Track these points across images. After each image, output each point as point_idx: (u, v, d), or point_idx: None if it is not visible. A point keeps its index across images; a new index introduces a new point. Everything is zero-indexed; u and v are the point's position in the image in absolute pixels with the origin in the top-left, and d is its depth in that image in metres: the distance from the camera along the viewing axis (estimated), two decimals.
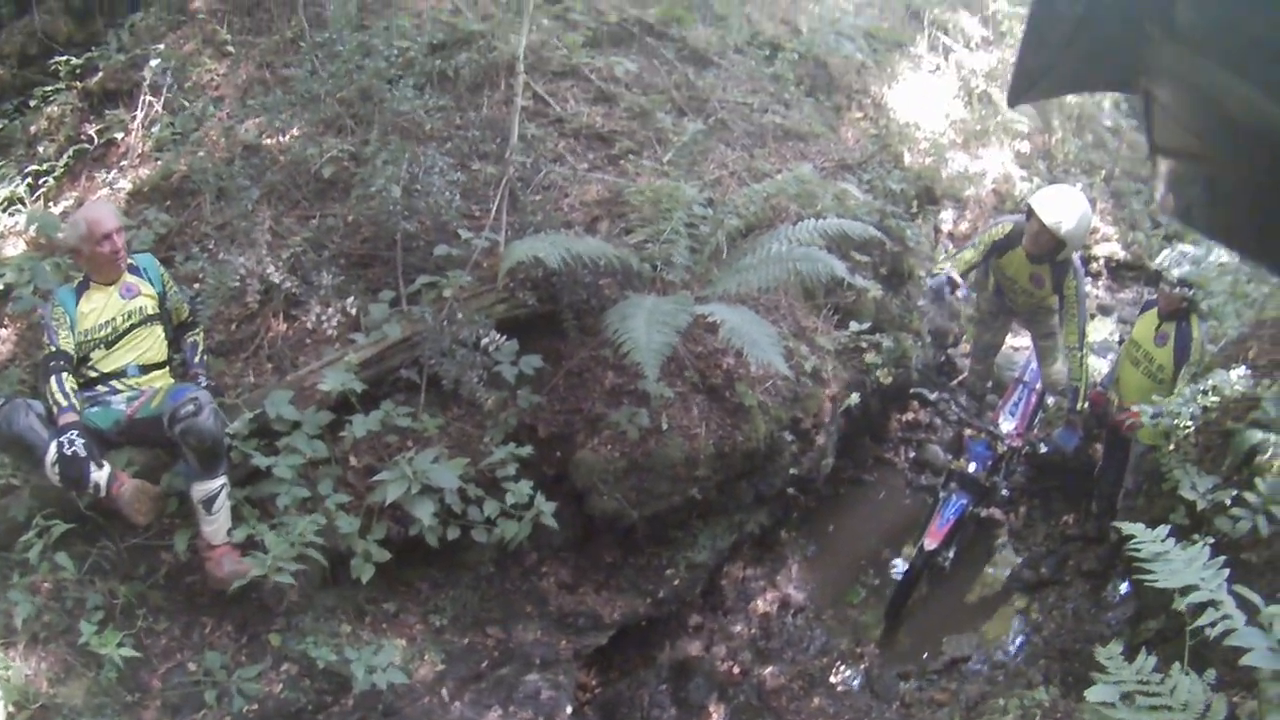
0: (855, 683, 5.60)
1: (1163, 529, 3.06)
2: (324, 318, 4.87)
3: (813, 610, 6.01)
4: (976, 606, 6.36)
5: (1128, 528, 3.12)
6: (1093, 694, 2.87)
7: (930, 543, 5.65)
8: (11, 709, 3.94)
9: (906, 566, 5.89)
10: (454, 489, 4.40)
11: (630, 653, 5.46)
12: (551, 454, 4.83)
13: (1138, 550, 3.00)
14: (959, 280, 5.66)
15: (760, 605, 5.92)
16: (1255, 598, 2.74)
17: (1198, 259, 5.87)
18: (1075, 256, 5.86)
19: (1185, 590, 2.78)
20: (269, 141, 6.04)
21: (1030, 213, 5.62)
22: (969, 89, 10.01)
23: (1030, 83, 0.84)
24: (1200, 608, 2.72)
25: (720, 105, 6.80)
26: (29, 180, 6.74)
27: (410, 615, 4.79)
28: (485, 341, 4.61)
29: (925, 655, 5.85)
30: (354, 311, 4.88)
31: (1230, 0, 0.64)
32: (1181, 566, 2.87)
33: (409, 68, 5.93)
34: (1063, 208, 5.51)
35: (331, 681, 4.36)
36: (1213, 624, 2.64)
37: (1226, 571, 2.82)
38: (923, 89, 9.45)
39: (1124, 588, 5.97)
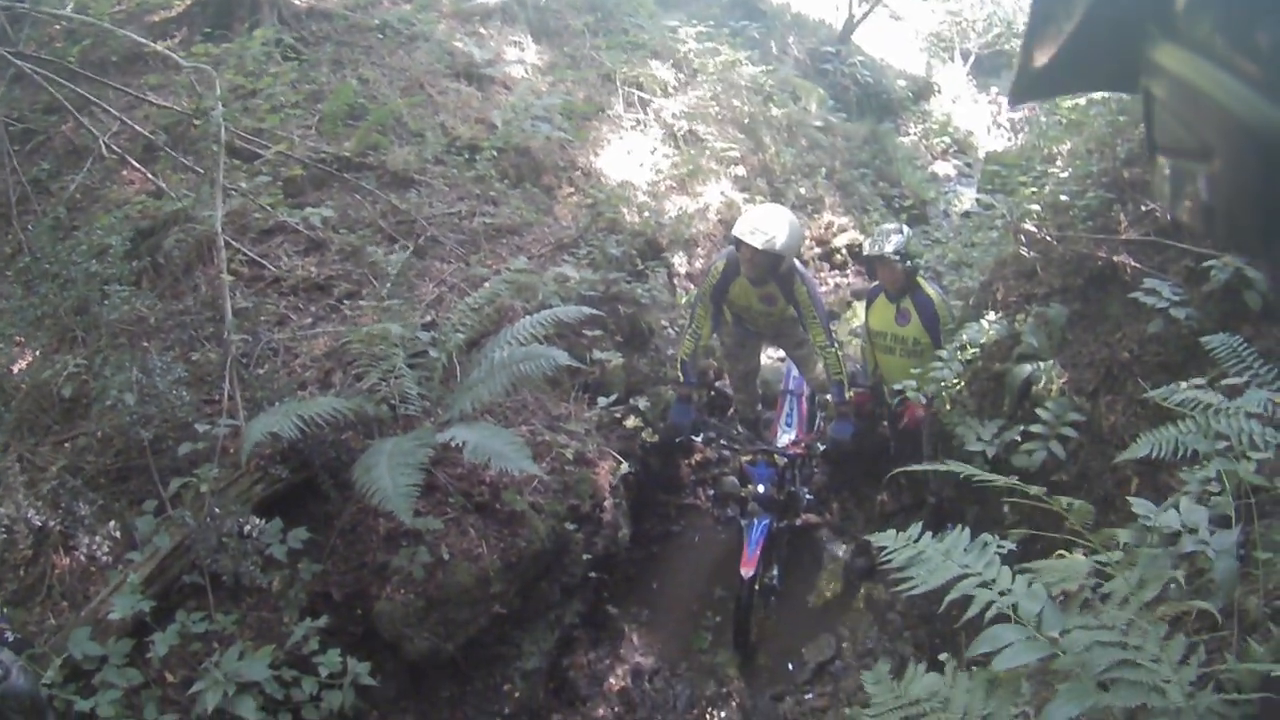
0: None
1: (914, 527, 2.78)
2: (94, 546, 4.76)
3: (667, 669, 6.09)
4: (824, 609, 6.57)
5: (877, 539, 2.81)
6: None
7: (747, 571, 5.76)
8: None
9: (735, 602, 6.04)
10: (268, 678, 4.34)
11: None
12: (352, 613, 4.81)
13: (889, 561, 2.69)
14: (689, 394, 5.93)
15: (614, 682, 5.96)
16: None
17: (901, 230, 6.06)
18: (796, 262, 6.07)
19: (952, 584, 2.47)
20: (14, 366, 5.90)
21: (739, 243, 5.83)
22: (674, 133, 10.46)
23: (1032, 83, 0.86)
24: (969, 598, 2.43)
25: (428, 222, 6.93)
26: None
27: None
28: (248, 529, 4.60)
29: (791, 669, 6.01)
30: (118, 534, 4.79)
31: (1231, 0, 0.68)
32: (940, 560, 2.58)
33: (121, 265, 5.85)
34: (767, 226, 5.71)
35: None
36: (983, 610, 2.35)
37: (992, 546, 2.57)
38: (629, 147, 9.81)
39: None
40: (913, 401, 5.50)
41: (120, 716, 4.22)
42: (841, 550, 7.05)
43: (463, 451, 4.51)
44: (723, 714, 5.77)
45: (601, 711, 5.82)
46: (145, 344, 5.55)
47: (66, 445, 5.41)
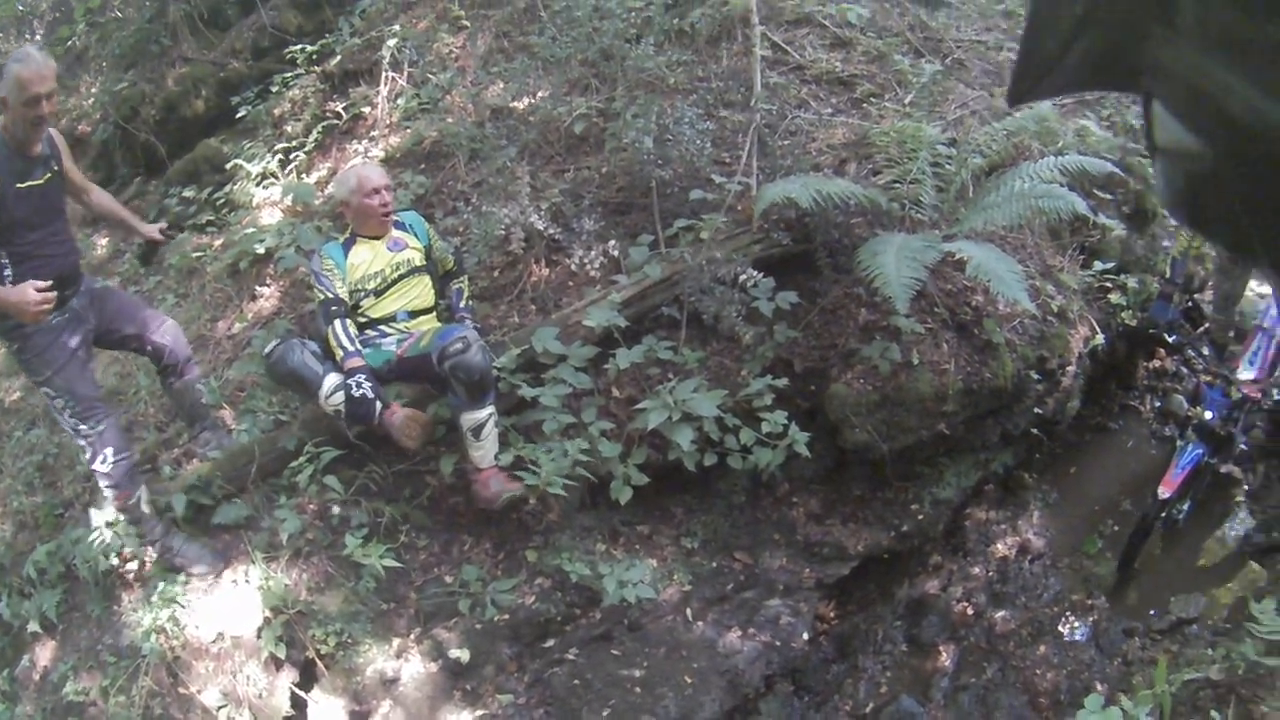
0: (1082, 635, 5.55)
1: None
2: (586, 261, 5.13)
3: (1050, 557, 5.98)
4: (1207, 568, 6.13)
5: None
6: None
7: (1164, 491, 5.50)
8: (269, 613, 4.32)
9: (1140, 518, 5.78)
10: (712, 417, 4.59)
11: (869, 587, 5.60)
12: (806, 388, 4.98)
13: None
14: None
15: (1000, 549, 5.95)
16: None
17: None
18: None
19: None
20: (517, 104, 6.35)
21: None
22: None
23: (1031, 83, 0.83)
24: None
25: (956, 45, 6.76)
26: (280, 156, 7.32)
27: (663, 538, 5.04)
28: (743, 278, 4.79)
29: (1152, 613, 5.74)
30: (615, 254, 5.12)
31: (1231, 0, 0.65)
32: None
33: (646, 26, 6.13)
34: None
35: (582, 595, 4.63)
36: None
37: None
38: None
39: None
40: None
41: (560, 410, 4.60)
42: (1246, 517, 6.50)
43: (965, 266, 4.45)
44: (1075, 623, 5.62)
45: (976, 570, 5.83)
46: (665, 100, 5.77)
47: (568, 174, 5.82)
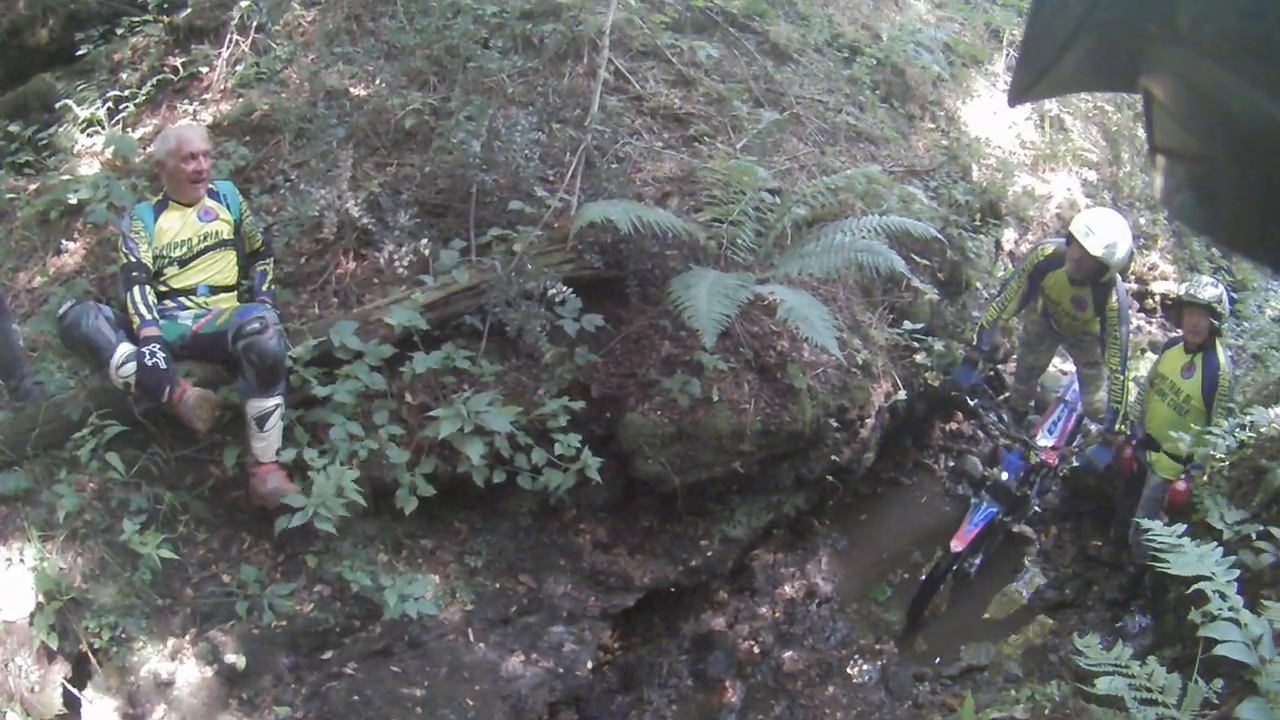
0: (870, 678, 5.65)
1: (1179, 525, 3.24)
2: (396, 257, 5.00)
3: (838, 602, 6.08)
4: (997, 619, 6.38)
5: (1145, 521, 3.40)
6: (1102, 684, 3.15)
7: (957, 545, 5.67)
8: (42, 599, 4.06)
9: (931, 568, 5.94)
10: (505, 433, 4.52)
11: (654, 620, 5.58)
12: (601, 414, 4.95)
13: (1151, 541, 3.20)
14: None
15: (787, 590, 6.01)
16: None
17: (1218, 286, 5.69)
18: (1118, 277, 5.80)
19: (1194, 580, 2.96)
20: (354, 89, 6.19)
21: (1071, 238, 5.58)
22: (1042, 112, 10.00)
23: (1030, 83, 0.84)
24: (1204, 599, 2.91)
25: (796, 100, 6.87)
26: (109, 104, 6.99)
27: (446, 554, 4.93)
28: (552, 293, 4.73)
29: (941, 660, 5.89)
30: (425, 253, 5.01)
31: (1232, 0, 0.65)
32: (1194, 559, 3.05)
33: (499, 30, 6.06)
34: (1108, 234, 5.45)
35: (362, 607, 4.50)
36: (1211, 617, 2.82)
37: (1237, 572, 3.00)
38: (996, 107, 9.46)
39: (1140, 620, 5.99)
40: (1183, 474, 5.42)
41: (351, 409, 4.49)
42: (1039, 575, 6.77)
43: (775, 311, 4.50)
44: (865, 666, 5.72)
45: (764, 610, 5.88)
46: (502, 106, 5.71)
47: (390, 169, 5.69)
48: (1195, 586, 2.91)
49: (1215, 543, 3.18)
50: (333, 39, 6.70)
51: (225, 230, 4.66)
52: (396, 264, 5.02)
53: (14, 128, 7.26)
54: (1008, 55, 10.16)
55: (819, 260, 4.80)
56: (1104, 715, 3.97)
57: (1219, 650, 2.70)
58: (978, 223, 7.28)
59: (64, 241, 6.03)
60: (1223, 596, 2.86)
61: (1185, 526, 3.23)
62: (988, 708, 4.45)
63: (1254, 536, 4.59)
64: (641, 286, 5.01)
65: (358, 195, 5.25)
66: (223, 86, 6.81)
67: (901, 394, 5.70)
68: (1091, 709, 4.05)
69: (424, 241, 5.05)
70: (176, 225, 4.54)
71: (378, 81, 6.11)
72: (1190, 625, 3.12)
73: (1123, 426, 5.89)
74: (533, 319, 4.74)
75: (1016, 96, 0.87)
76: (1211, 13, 0.66)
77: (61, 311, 4.26)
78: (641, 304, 5.03)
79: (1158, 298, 10.55)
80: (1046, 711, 4.16)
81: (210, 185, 4.67)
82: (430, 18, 5.94)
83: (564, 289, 4.75)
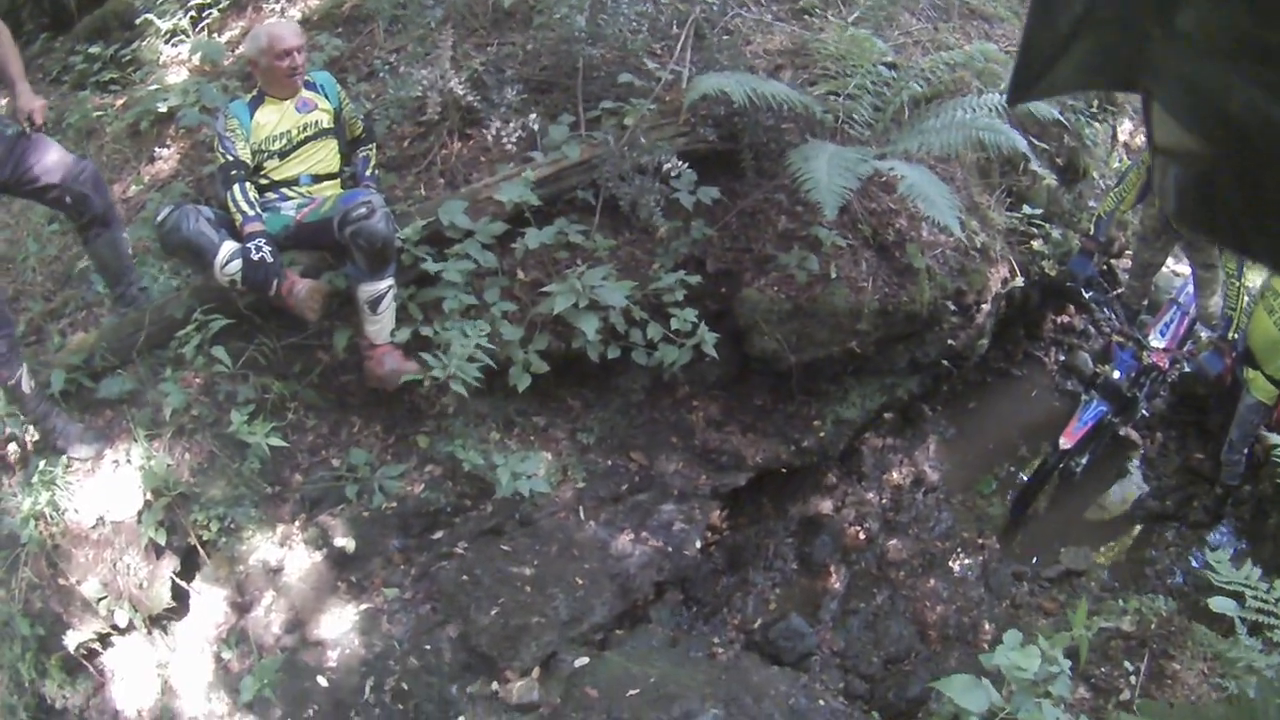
0: (972, 573, 5.62)
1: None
2: (504, 134, 4.93)
3: (944, 492, 6.04)
4: (1098, 524, 6.29)
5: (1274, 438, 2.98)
6: (1215, 604, 2.93)
7: (1065, 442, 5.56)
8: (150, 496, 4.14)
9: (1038, 464, 5.83)
10: (620, 308, 4.46)
11: (763, 500, 5.55)
12: (717, 289, 4.87)
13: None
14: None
15: (895, 477, 5.96)
16: None
17: None
18: None
19: None
20: None
21: None
22: None
23: (1030, 82, 0.81)
24: None
25: None
26: (192, 13, 6.93)
27: (559, 431, 4.91)
28: (666, 167, 4.63)
29: (1039, 560, 5.83)
30: (534, 129, 4.93)
31: (1232, 0, 0.63)
32: None
33: None
34: None
35: (474, 486, 4.52)
36: None
37: None
38: None
39: (1231, 543, 5.86)
40: None
41: (461, 287, 4.43)
42: (1141, 483, 6.63)
43: (895, 187, 4.36)
44: (966, 560, 5.69)
45: (871, 495, 5.86)
46: None
47: (491, 49, 5.56)
48: None
49: None
50: None
51: (325, 119, 4.60)
52: (505, 141, 4.95)
53: (95, 49, 7.27)
54: None
55: (939, 137, 4.62)
56: (1208, 637, 3.89)
57: None
58: (1094, 109, 7.01)
59: (157, 149, 6.02)
60: None
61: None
62: (1094, 615, 4.36)
63: None
64: (757, 160, 4.88)
65: (460, 74, 5.15)
66: None
67: (1019, 280, 5.54)
68: (1196, 628, 3.98)
69: (532, 117, 4.96)
70: (274, 119, 4.48)
71: None
72: None
73: (1235, 334, 5.66)
74: (647, 193, 4.65)
75: (1016, 97, 0.83)
76: (1212, 13, 0.64)
77: (161, 218, 4.22)
78: (757, 178, 4.90)
79: None
80: (1153, 626, 4.06)
81: (306, 77, 4.60)
82: None
83: (679, 163, 4.64)
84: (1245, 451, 5.68)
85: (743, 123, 4.85)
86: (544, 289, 4.53)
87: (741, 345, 4.86)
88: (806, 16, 5.84)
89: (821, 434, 5.12)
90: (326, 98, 4.63)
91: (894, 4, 6.03)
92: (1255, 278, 8.25)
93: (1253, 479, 5.97)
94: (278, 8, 6.69)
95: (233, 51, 6.38)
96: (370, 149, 4.89)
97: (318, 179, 4.60)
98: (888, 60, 5.20)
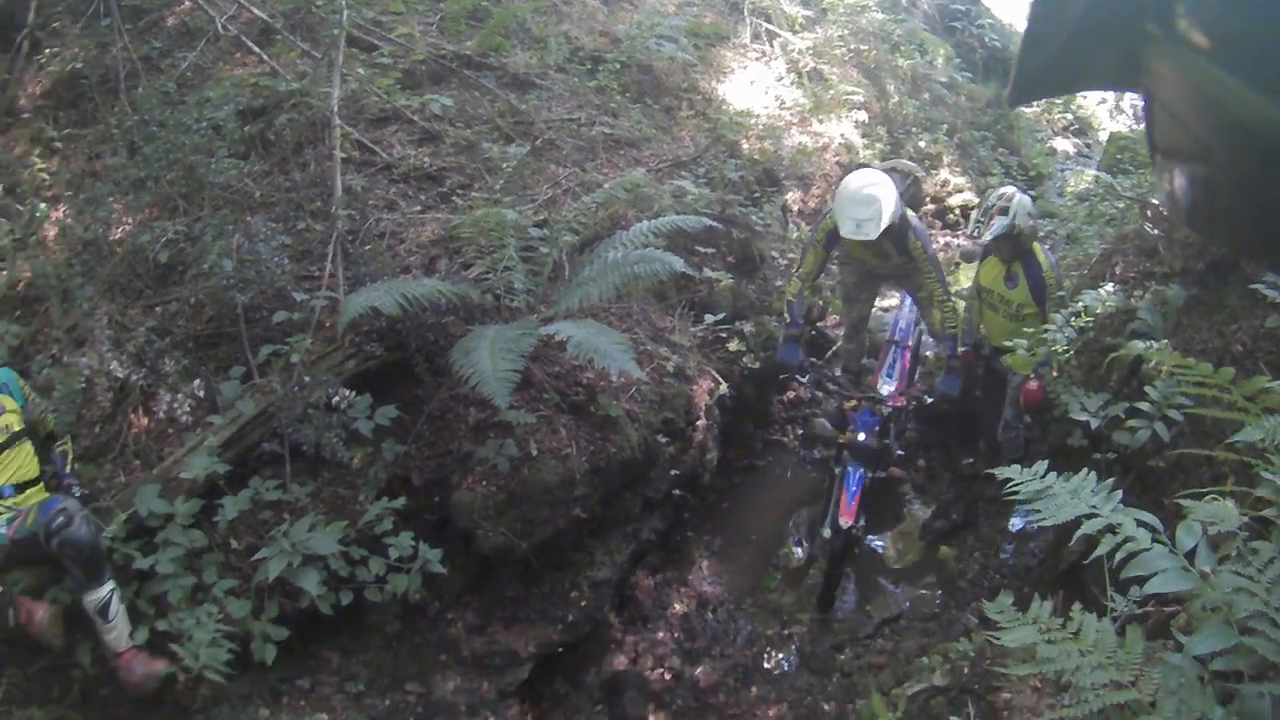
0: (790, 664, 5.59)
1: (1040, 464, 2.91)
2: (175, 405, 4.75)
3: (732, 602, 5.99)
4: (898, 567, 6.40)
5: (1001, 472, 2.99)
6: (1009, 638, 2.76)
7: (845, 520, 5.59)
8: None
9: (809, 549, 5.85)
10: (336, 554, 4.34)
11: (556, 682, 5.40)
12: (430, 500, 4.78)
13: (1015, 494, 2.86)
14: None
15: (678, 607, 5.89)
16: (1150, 518, 2.52)
17: (1012, 199, 5.67)
18: (908, 213, 5.75)
19: (1079, 521, 2.58)
20: (110, 234, 5.88)
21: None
22: (798, 69, 10.17)
23: (1031, 83, 0.84)
24: (1099, 534, 2.53)
25: (546, 126, 6.79)
26: None
27: (326, 688, 4.67)
28: (336, 400, 4.55)
29: (854, 623, 5.85)
30: (201, 394, 4.77)
31: (1231, 1, 0.65)
32: (1067, 498, 2.70)
33: (225, 137, 5.82)
34: (866, 214, 5.36)
35: None
36: (1113, 550, 2.43)
37: (1119, 493, 2.66)
38: (752, 78, 9.57)
39: (1015, 522, 6.04)
40: (1031, 373, 5.36)
41: (179, 575, 4.25)
42: (921, 509, 6.84)
43: (566, 346, 4.38)
44: (780, 656, 5.66)
45: (661, 634, 5.75)
46: (249, 215, 5.49)
47: (157, 309, 5.42)
48: (1079, 532, 2.56)
49: (1087, 469, 2.82)
50: (78, 186, 6.33)
51: (15, 422, 4.36)
52: (178, 411, 4.76)
53: None
54: (752, 25, 10.31)
55: (597, 285, 4.70)
56: (1017, 665, 3.92)
57: (1151, 587, 2.30)
58: (757, 194, 7.31)
59: None
60: (1113, 530, 2.48)
61: (1046, 464, 2.90)
62: (901, 684, 4.38)
63: (1123, 416, 4.51)
64: (430, 361, 4.85)
65: (124, 350, 4.96)
66: None
67: (724, 387, 5.65)
68: (1010, 649, 4.00)
69: (196, 381, 4.80)
70: None
71: (127, 222, 5.81)
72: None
73: (963, 347, 5.91)
74: (326, 429, 4.54)
75: (1018, 97, 0.88)
76: (1212, 14, 0.66)
77: None
78: (436, 379, 4.86)
79: (959, 210, 10.85)
80: (965, 670, 4.10)
81: None
82: (155, 142, 5.65)
83: (347, 392, 4.56)
84: (1017, 425, 5.91)
85: (406, 328, 4.81)
86: (258, 555, 4.34)
87: (471, 546, 4.76)
88: (454, 198, 5.89)
89: (583, 603, 5.04)
90: (11, 396, 4.41)
91: (536, 159, 6.18)
92: (962, 279, 8.73)
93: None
94: None
95: None
96: (65, 443, 4.66)
97: (20, 487, 4.33)
98: (538, 220, 5.29)
